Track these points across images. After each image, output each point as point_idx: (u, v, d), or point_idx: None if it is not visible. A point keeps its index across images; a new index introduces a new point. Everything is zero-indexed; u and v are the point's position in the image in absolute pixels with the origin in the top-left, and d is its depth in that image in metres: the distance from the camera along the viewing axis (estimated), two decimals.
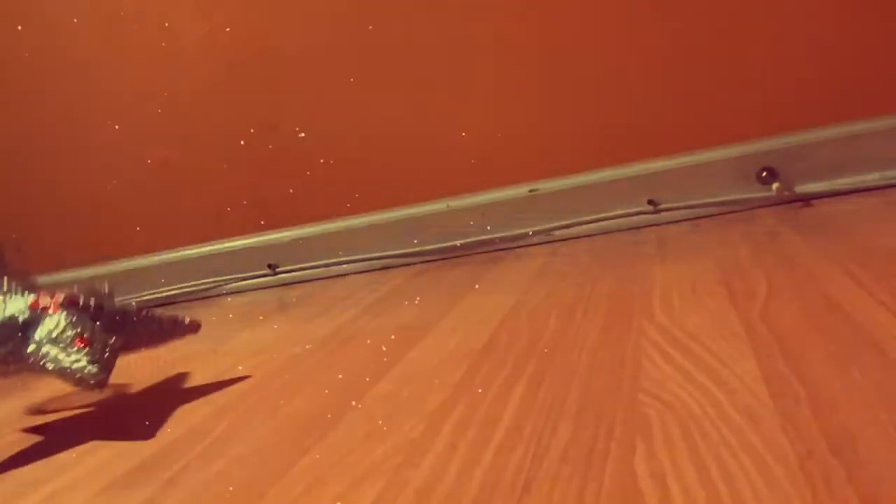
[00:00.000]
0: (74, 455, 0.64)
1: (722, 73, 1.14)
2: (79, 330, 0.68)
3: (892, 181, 1.07)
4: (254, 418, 0.64)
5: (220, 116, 1.38)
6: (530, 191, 1.23)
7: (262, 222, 1.40)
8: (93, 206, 1.49)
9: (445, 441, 0.51)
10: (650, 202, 1.17)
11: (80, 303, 0.71)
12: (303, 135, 1.35)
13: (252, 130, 1.37)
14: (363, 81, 1.30)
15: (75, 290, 0.72)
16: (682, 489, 0.38)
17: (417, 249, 1.30)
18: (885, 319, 0.56)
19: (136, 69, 1.41)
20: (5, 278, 0.72)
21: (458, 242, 1.27)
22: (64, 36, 1.44)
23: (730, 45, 1.13)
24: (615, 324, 0.69)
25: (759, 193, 1.13)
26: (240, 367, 0.83)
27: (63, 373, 0.66)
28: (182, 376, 0.83)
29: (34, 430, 0.74)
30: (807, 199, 1.11)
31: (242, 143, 1.38)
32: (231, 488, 0.51)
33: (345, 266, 1.35)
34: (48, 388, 0.88)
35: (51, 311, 0.69)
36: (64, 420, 0.77)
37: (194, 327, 0.80)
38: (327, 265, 1.36)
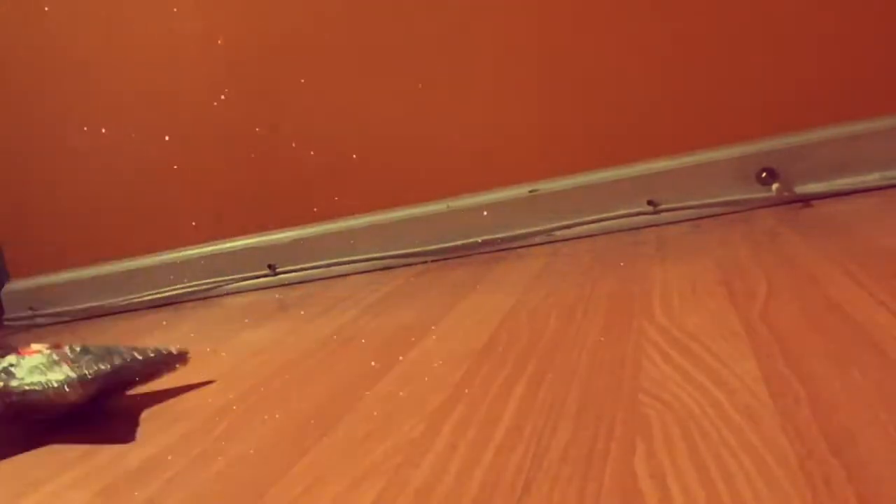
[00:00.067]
0: (75, 455, 0.64)
1: (722, 73, 1.14)
2: (61, 357, 0.69)
3: (892, 181, 1.07)
4: (254, 418, 0.64)
5: (220, 116, 1.38)
6: (530, 191, 1.23)
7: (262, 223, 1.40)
8: (93, 206, 1.49)
9: (445, 441, 0.51)
10: (650, 202, 1.17)
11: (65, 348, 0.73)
12: (303, 135, 1.35)
13: (252, 130, 1.37)
14: (363, 82, 1.30)
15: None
16: (682, 489, 0.38)
17: (418, 250, 1.30)
18: (885, 319, 0.56)
19: (136, 69, 1.41)
20: None
21: (458, 242, 1.27)
22: (64, 36, 1.44)
23: (730, 45, 1.13)
24: (615, 324, 0.69)
25: (759, 194, 1.13)
26: (240, 368, 0.83)
27: (45, 391, 0.66)
28: (182, 376, 0.83)
29: (34, 429, 0.74)
30: (807, 200, 1.11)
31: (242, 143, 1.38)
32: (231, 488, 0.51)
33: (345, 266, 1.35)
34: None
35: (36, 354, 0.71)
36: (64, 420, 0.77)
37: (182, 359, 0.79)
38: (328, 265, 1.36)
